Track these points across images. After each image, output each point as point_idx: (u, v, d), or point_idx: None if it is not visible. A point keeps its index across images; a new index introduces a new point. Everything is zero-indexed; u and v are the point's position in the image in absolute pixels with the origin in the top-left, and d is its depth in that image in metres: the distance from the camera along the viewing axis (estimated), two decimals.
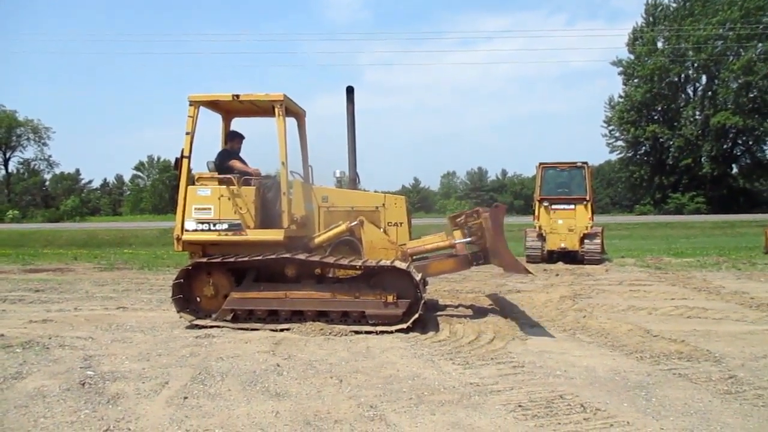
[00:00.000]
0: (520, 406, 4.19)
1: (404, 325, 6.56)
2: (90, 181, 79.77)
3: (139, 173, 79.09)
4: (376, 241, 7.45)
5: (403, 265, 6.74)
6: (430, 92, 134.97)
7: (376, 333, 6.52)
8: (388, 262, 6.80)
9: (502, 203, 7.42)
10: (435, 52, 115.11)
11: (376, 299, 6.69)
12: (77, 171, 77.58)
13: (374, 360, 5.50)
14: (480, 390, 4.58)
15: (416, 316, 6.59)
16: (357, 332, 6.54)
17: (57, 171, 72.62)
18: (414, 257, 7.62)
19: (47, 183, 72.85)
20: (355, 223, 7.44)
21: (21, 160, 69.35)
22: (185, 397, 4.44)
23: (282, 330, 6.65)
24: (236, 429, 3.84)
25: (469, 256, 7.63)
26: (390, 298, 6.64)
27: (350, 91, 8.15)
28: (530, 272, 6.90)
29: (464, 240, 7.73)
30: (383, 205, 7.65)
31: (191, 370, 5.15)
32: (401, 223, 7.64)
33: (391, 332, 6.52)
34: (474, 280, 11.32)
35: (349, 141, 8.10)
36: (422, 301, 6.66)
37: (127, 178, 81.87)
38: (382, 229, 7.56)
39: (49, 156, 68.85)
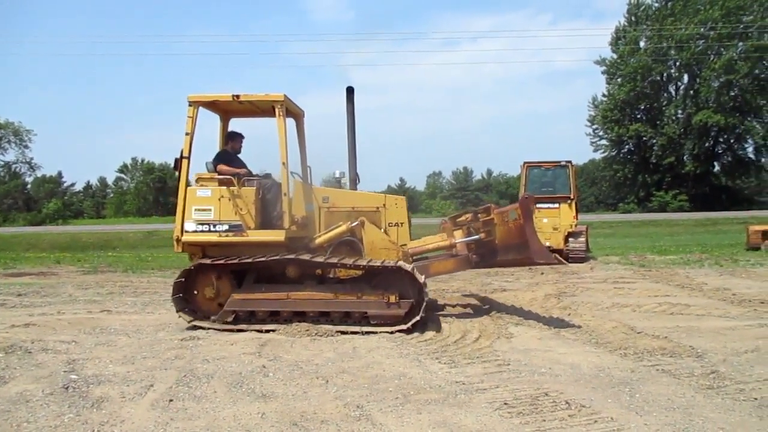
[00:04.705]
0: (505, 403, 4.22)
1: (404, 326, 6.55)
2: (73, 184, 78.78)
3: (123, 176, 78.28)
4: (377, 242, 7.41)
5: (408, 267, 6.71)
6: (415, 92, 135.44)
7: (362, 333, 6.52)
8: (392, 263, 6.77)
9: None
10: (419, 52, 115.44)
11: (378, 300, 6.68)
12: (59, 174, 76.60)
13: (360, 360, 5.50)
14: (466, 388, 4.60)
15: (417, 318, 6.57)
16: (343, 332, 6.53)
17: (39, 174, 71.49)
18: (414, 257, 7.62)
19: (29, 186, 71.59)
20: (356, 223, 7.40)
21: (2, 163, 68.17)
22: (170, 400, 4.41)
23: (267, 331, 6.62)
24: (222, 431, 3.83)
25: (470, 256, 7.61)
26: (392, 299, 6.64)
27: (350, 91, 8.10)
28: (561, 261, 6.84)
29: (465, 239, 7.72)
30: (384, 205, 7.63)
31: (176, 373, 5.12)
32: (402, 224, 7.62)
33: (384, 333, 6.50)
34: (460, 280, 11.35)
35: (349, 141, 8.05)
36: (424, 303, 6.64)
37: (110, 181, 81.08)
38: (382, 230, 7.54)
39: (31, 159, 67.48)
